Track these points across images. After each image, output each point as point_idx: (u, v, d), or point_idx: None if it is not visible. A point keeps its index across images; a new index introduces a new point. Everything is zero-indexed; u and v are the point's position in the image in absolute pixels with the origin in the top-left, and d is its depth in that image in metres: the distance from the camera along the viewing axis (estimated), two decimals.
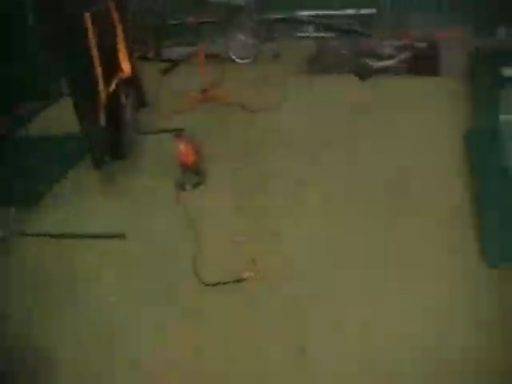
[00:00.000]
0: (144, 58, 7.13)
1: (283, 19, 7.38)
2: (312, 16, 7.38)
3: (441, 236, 3.77)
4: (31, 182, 4.75)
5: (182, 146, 4.58)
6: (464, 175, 4.33)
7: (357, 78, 6.19)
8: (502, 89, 5.30)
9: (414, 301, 3.30)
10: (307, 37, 7.41)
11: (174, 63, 6.92)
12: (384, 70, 6.32)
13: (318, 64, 6.59)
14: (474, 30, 6.82)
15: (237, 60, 6.79)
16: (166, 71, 6.77)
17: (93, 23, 4.26)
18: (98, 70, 4.37)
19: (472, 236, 3.70)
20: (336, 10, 7.25)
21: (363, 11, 7.09)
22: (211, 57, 6.79)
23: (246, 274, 3.60)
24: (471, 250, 3.59)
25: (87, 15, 4.21)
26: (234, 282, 3.55)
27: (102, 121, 4.52)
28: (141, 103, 5.31)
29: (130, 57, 4.93)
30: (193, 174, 4.62)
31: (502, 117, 4.89)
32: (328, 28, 7.34)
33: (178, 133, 4.80)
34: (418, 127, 5.09)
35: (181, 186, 4.51)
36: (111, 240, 4.02)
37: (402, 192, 4.25)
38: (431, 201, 4.12)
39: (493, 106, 5.06)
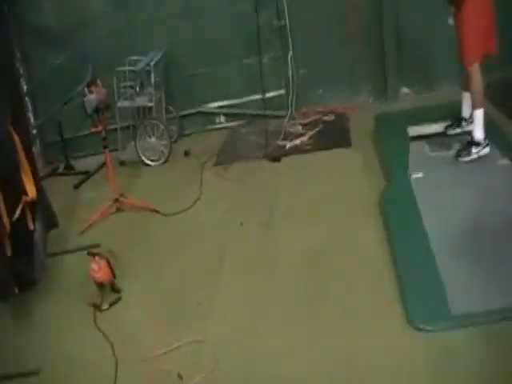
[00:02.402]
0: (55, 174, 6.99)
1: (192, 114, 7.42)
2: (220, 107, 7.42)
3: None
4: None
5: (94, 265, 4.37)
6: (384, 241, 4.29)
7: (269, 161, 6.14)
8: (409, 148, 5.35)
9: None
10: (219, 128, 7.42)
11: (86, 175, 6.76)
12: (296, 149, 6.33)
13: (229, 154, 6.57)
14: (379, 93, 7.04)
15: (148, 162, 6.68)
16: (78, 185, 6.60)
17: None
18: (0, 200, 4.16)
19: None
20: (243, 97, 7.30)
21: (271, 94, 7.12)
22: (123, 163, 6.74)
23: None
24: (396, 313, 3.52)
25: None
26: None
27: (8, 251, 4.26)
28: (51, 224, 5.07)
29: (35, 178, 4.70)
30: (109, 291, 4.40)
31: (413, 176, 4.91)
32: (238, 115, 7.37)
33: (91, 251, 4.60)
34: (335, 197, 5.12)
35: (97, 307, 4.27)
36: (26, 379, 3.72)
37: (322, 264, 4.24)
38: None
39: (403, 166, 5.08)
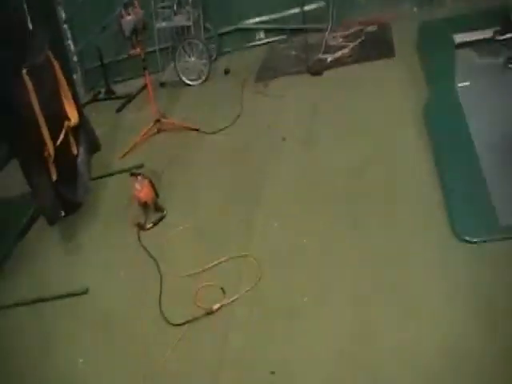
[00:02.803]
0: (96, 100, 7.01)
1: (231, 31, 7.27)
2: (259, 22, 7.23)
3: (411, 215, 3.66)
4: None
5: (137, 185, 4.44)
6: (428, 152, 4.16)
7: (310, 75, 5.99)
8: (455, 56, 5.11)
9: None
10: (258, 44, 7.26)
11: (127, 99, 6.78)
12: (337, 62, 6.15)
13: (270, 70, 6.43)
14: (422, 3, 6.71)
15: (188, 82, 6.62)
16: (119, 109, 6.63)
17: (32, 77, 4.02)
18: (43, 125, 4.18)
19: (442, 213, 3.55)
20: (282, 11, 7.07)
21: (310, 7, 6.88)
22: (163, 84, 6.70)
23: (215, 306, 3.42)
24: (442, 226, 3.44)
25: (24, 71, 4.03)
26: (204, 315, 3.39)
27: (54, 176, 4.34)
28: (93, 148, 5.12)
29: (77, 103, 4.73)
30: (152, 210, 4.46)
31: (459, 85, 4.70)
32: (277, 31, 7.17)
33: (134, 171, 4.68)
34: (378, 109, 4.96)
35: (141, 226, 4.35)
36: (76, 298, 3.86)
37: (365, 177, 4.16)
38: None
39: (448, 75, 4.86)
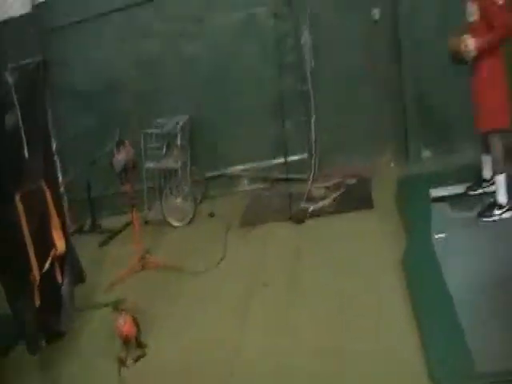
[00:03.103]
0: (81, 232, 7.11)
1: (217, 176, 7.57)
2: (244, 170, 7.57)
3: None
4: None
5: (120, 320, 4.44)
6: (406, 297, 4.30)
7: (293, 223, 6.21)
8: (431, 209, 5.41)
9: None
10: (243, 191, 7.54)
11: (112, 234, 6.91)
12: (319, 211, 6.40)
13: (254, 216, 6.65)
14: (401, 156, 7.13)
15: (173, 223, 6.81)
16: (103, 243, 6.74)
17: (24, 203, 4.20)
18: (31, 249, 4.25)
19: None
20: (266, 160, 7.44)
21: (293, 158, 7.26)
22: (147, 222, 6.86)
23: None
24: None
25: (17, 197, 4.18)
26: None
27: (37, 302, 4.32)
28: (78, 278, 5.16)
29: (65, 232, 4.86)
30: (134, 346, 4.43)
31: (436, 236, 4.94)
32: (261, 179, 7.49)
33: (117, 306, 4.68)
34: (358, 258, 5.13)
35: (122, 362, 4.29)
36: None
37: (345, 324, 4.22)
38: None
39: (425, 226, 5.12)
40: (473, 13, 4.87)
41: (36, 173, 4.51)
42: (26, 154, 4.37)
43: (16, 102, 4.29)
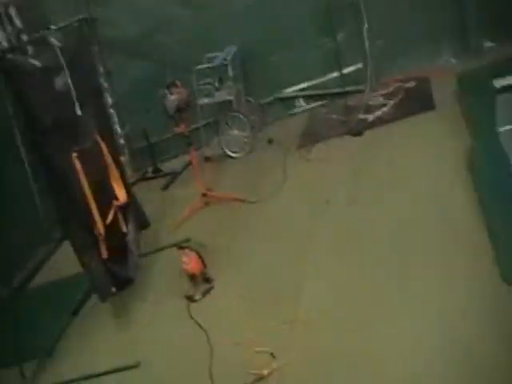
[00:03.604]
0: (144, 179, 7.19)
1: (273, 101, 7.42)
2: (298, 90, 7.36)
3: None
4: (41, 334, 4.63)
5: (185, 258, 4.49)
6: (474, 200, 4.08)
7: (352, 136, 6.01)
8: (496, 100, 5.06)
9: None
10: (299, 112, 7.37)
11: (173, 176, 6.93)
12: (378, 120, 6.16)
13: (312, 135, 6.49)
14: (460, 51, 6.71)
15: (233, 155, 6.75)
16: (166, 186, 6.78)
17: (81, 160, 4.25)
18: (93, 205, 4.32)
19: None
20: (321, 76, 7.20)
21: (348, 70, 6.99)
22: (208, 159, 6.83)
23: (266, 371, 3.35)
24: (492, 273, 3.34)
25: (74, 155, 4.23)
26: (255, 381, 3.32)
27: (104, 254, 4.43)
28: (142, 225, 5.23)
29: (125, 183, 4.92)
30: (201, 282, 4.47)
31: (502, 129, 4.63)
32: (317, 96, 7.27)
33: (181, 245, 4.74)
34: (422, 164, 4.96)
35: (190, 298, 4.35)
36: (127, 372, 3.86)
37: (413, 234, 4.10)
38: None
39: (490, 120, 4.80)
40: None
41: (90, 129, 4.54)
42: (79, 112, 4.37)
43: (64, 64, 4.25)
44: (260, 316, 3.87)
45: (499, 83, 5.30)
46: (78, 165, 4.24)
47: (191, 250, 4.55)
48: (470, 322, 3.12)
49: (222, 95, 6.80)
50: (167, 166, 7.29)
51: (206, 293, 4.39)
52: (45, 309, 4.99)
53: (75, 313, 4.82)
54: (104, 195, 4.54)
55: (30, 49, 4.80)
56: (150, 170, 7.35)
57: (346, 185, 5.12)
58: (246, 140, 6.74)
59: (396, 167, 5.08)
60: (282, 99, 7.42)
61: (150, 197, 5.99)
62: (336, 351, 3.35)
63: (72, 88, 4.33)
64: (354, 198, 4.88)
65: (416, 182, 4.73)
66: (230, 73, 6.70)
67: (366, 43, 6.78)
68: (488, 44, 6.61)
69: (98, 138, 4.62)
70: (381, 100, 6.59)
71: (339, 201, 4.93)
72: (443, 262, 3.68)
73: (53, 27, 4.52)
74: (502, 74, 5.39)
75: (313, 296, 3.91)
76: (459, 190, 4.30)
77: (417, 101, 6.22)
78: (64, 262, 5.39)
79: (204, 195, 5.73)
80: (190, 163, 6.36)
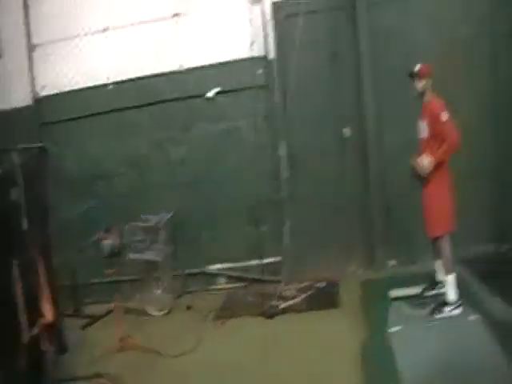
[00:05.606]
0: (64, 315, 7.41)
1: (196, 274, 8.04)
2: (222, 269, 8.08)
3: None
4: None
5: None
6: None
7: (264, 318, 6.66)
8: (389, 306, 6.00)
9: None
10: (220, 288, 8.00)
11: (93, 319, 7.27)
12: (289, 309, 6.85)
13: (228, 310, 7.09)
14: (367, 264, 7.72)
15: (153, 313, 7.21)
16: (85, 325, 7.10)
17: (19, 270, 4.65)
18: (21, 314, 4.65)
19: None
20: (243, 261, 7.97)
21: (267, 260, 7.85)
22: (129, 311, 7.20)
23: None
24: None
25: (15, 263, 4.63)
26: None
27: (22, 362, 4.65)
28: (61, 349, 5.49)
29: (55, 305, 5.25)
30: None
31: (392, 329, 5.46)
32: (238, 279, 7.99)
33: (96, 378, 5.03)
34: (321, 351, 5.56)
35: None
36: None
37: None
38: None
39: (383, 321, 5.65)
40: (423, 130, 5.54)
41: (32, 245, 5.00)
42: (25, 226, 4.85)
43: (20, 180, 4.82)
44: None
45: (394, 293, 6.29)
46: (16, 273, 4.66)
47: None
48: None
49: (151, 255, 7.33)
50: (88, 310, 7.63)
51: None
52: None
53: None
54: (33, 308, 4.88)
55: None
56: (70, 308, 7.61)
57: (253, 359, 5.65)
58: (166, 301, 7.24)
59: (298, 349, 5.69)
60: (205, 273, 8.08)
61: (68, 333, 6.23)
62: None
63: (23, 203, 4.87)
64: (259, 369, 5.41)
65: (314, 361, 5.35)
66: (162, 236, 7.34)
67: (286, 240, 7.66)
68: (391, 262, 7.66)
69: (37, 257, 5.07)
70: (293, 292, 7.32)
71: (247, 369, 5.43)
72: None
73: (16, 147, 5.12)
74: (396, 287, 6.41)
75: None
76: (350, 373, 4.92)
77: (324, 298, 7.01)
78: None
79: (122, 339, 6.11)
80: (111, 311, 6.75)
